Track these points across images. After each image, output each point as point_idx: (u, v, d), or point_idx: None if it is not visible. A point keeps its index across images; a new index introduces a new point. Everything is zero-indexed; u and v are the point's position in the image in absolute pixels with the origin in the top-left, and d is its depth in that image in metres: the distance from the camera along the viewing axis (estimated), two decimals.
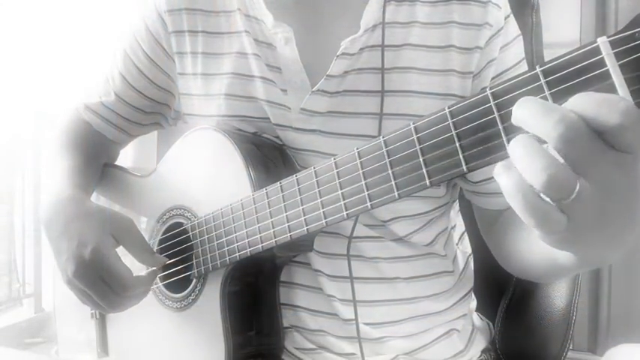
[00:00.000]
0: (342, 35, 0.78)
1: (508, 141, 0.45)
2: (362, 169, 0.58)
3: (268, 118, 0.82)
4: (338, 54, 0.77)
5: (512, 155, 0.42)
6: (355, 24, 0.78)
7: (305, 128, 0.80)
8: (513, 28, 0.82)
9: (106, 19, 2.08)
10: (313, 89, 0.79)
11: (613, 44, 0.39)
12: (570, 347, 0.97)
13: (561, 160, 0.40)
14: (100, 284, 0.77)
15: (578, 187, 0.40)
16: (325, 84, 0.79)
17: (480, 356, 0.91)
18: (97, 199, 1.00)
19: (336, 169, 0.61)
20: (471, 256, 0.96)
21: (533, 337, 0.97)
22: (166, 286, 0.87)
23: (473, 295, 0.95)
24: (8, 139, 2.53)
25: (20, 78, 2.44)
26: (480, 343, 0.92)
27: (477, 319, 0.96)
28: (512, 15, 0.82)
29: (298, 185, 0.66)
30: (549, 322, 0.96)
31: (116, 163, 1.07)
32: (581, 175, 0.40)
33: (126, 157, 1.15)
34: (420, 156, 0.52)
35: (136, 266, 0.81)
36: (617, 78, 0.39)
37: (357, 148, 0.58)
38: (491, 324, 0.99)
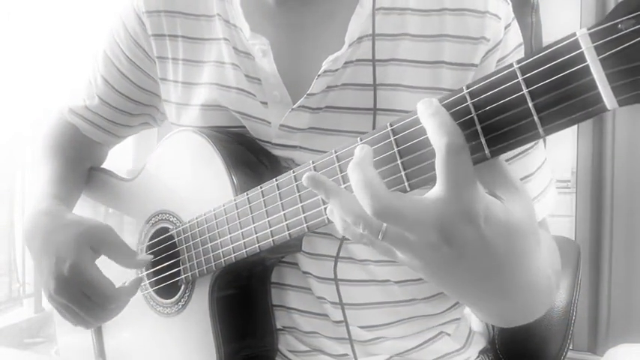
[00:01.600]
0: (325, 47, 0.74)
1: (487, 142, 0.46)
2: (340, 172, 0.56)
3: (247, 130, 0.80)
4: (319, 73, 0.73)
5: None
6: (339, 35, 0.73)
7: (284, 144, 0.78)
8: (514, 37, 0.77)
9: (105, 16, 2.08)
10: (293, 106, 0.75)
11: (593, 37, 0.37)
12: (570, 347, 0.96)
13: None
14: (83, 298, 0.76)
15: (384, 228, 0.47)
16: (306, 101, 0.75)
17: (478, 357, 0.89)
18: (84, 202, 0.99)
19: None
20: None
21: (532, 337, 0.96)
22: (157, 292, 0.86)
23: None
24: (8, 139, 2.53)
25: (20, 78, 2.44)
26: (479, 344, 0.91)
27: (475, 319, 0.95)
28: (514, 22, 0.77)
29: (279, 190, 0.64)
30: (549, 322, 0.95)
31: (116, 163, 1.06)
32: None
33: (126, 156, 1.14)
34: (398, 158, 0.50)
35: (117, 277, 0.80)
36: (598, 74, 0.37)
37: (335, 152, 0.56)
38: (490, 324, 0.98)
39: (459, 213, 0.44)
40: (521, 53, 0.79)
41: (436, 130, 0.44)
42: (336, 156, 0.56)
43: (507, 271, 0.50)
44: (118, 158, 1.08)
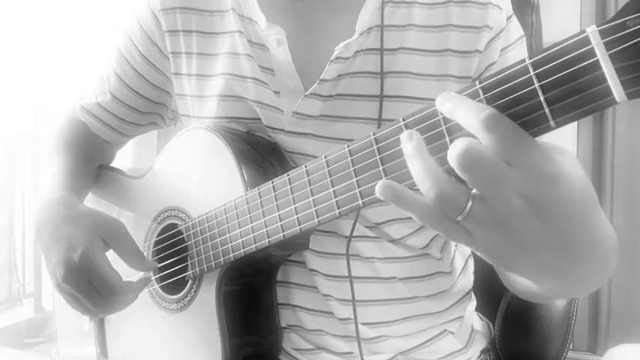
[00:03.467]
0: (337, 38, 0.77)
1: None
2: (353, 166, 0.57)
3: (261, 120, 0.82)
4: (332, 59, 0.77)
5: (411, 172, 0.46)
6: (350, 26, 0.77)
7: (297, 132, 0.80)
8: (516, 29, 0.80)
9: (106, 16, 2.09)
10: (306, 93, 0.78)
11: (603, 33, 0.39)
12: (570, 347, 0.96)
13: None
14: (89, 288, 0.77)
15: (469, 206, 0.43)
16: (318, 88, 0.78)
17: (480, 356, 0.90)
18: (93, 200, 1.00)
19: (328, 167, 0.60)
20: (471, 257, 0.95)
21: (533, 337, 0.97)
22: (163, 288, 0.86)
23: (473, 295, 0.95)
24: (8, 138, 2.53)
25: (20, 76, 2.44)
26: (480, 344, 0.92)
27: (477, 319, 0.96)
28: (514, 16, 0.80)
29: (290, 184, 0.66)
30: (549, 322, 0.96)
31: (115, 162, 1.07)
32: (478, 196, 0.43)
33: (126, 157, 1.14)
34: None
35: (127, 271, 0.80)
36: (608, 68, 0.39)
37: (348, 146, 0.58)
38: (491, 324, 0.99)
39: (532, 175, 0.42)
40: (523, 45, 0.82)
41: (466, 113, 0.43)
42: (349, 150, 0.57)
43: (593, 241, 0.46)
44: (118, 157, 1.09)
